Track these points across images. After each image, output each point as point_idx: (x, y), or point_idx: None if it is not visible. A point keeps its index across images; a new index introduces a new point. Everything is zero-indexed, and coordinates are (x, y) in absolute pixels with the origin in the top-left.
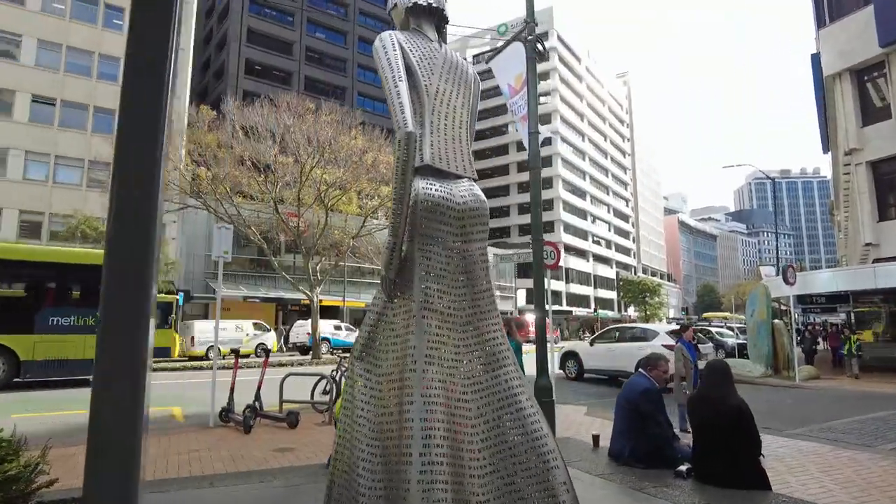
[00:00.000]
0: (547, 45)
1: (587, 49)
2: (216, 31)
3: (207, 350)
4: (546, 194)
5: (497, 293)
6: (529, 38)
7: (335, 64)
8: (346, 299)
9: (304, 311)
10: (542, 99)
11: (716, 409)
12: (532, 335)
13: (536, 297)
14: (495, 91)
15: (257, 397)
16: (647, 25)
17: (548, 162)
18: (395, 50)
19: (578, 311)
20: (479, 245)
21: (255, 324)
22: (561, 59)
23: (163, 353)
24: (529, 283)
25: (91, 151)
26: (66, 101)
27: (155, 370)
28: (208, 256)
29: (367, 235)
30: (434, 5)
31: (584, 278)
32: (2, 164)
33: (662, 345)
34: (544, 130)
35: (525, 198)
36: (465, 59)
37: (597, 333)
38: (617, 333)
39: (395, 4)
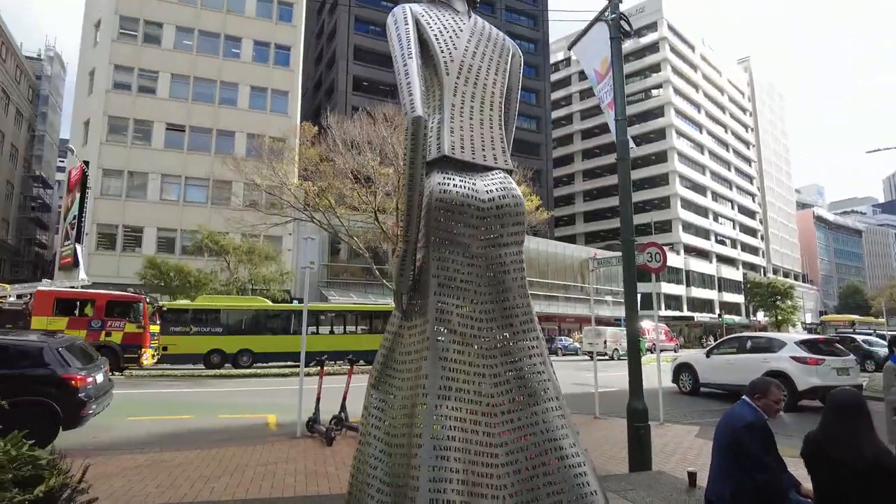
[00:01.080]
0: (656, 35)
1: (701, 36)
2: (325, 51)
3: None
4: (662, 192)
5: (609, 298)
6: (612, 16)
7: None
8: None
9: None
10: (653, 91)
11: (843, 460)
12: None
13: (627, 304)
14: None
15: (343, 408)
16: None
17: (662, 157)
18: (406, 24)
19: (701, 317)
20: (512, 250)
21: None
22: (672, 49)
23: None
24: (645, 286)
25: (214, 171)
26: (194, 126)
27: (276, 376)
28: (321, 266)
29: None
30: None
31: (707, 281)
32: (143, 188)
33: (791, 356)
34: (657, 124)
35: (640, 196)
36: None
37: (714, 343)
38: (737, 343)
39: None
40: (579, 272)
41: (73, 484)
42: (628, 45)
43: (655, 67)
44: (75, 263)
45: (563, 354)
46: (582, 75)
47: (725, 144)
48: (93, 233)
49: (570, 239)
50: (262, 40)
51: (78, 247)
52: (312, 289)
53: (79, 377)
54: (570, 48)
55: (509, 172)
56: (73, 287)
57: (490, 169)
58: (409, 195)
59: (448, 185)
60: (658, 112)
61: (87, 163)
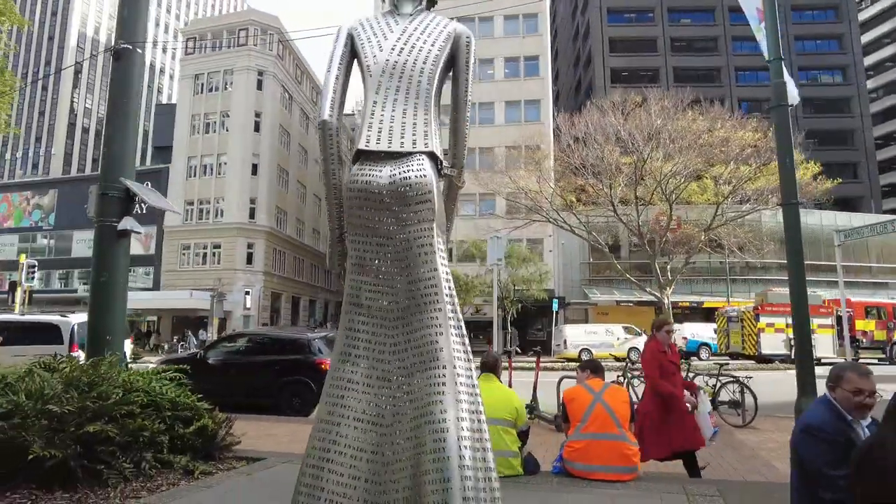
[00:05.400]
0: None
1: None
2: (582, 52)
3: (580, 352)
4: None
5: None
6: None
7: (705, 46)
8: (729, 299)
9: (686, 314)
10: None
11: None
12: None
13: (794, 280)
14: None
15: (534, 398)
16: None
17: None
18: (336, 41)
19: None
20: (419, 227)
21: (625, 328)
22: None
23: None
24: None
25: (478, 187)
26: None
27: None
28: (583, 265)
29: (723, 226)
30: None
31: None
32: None
33: None
34: None
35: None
36: (450, 19)
37: None
38: None
39: None
40: None
41: (221, 421)
42: None
43: None
44: None
45: None
46: None
47: None
48: None
49: None
50: (512, 55)
51: None
52: (576, 288)
53: (327, 361)
54: None
55: (431, 155)
56: None
57: (411, 154)
58: (327, 187)
59: (357, 175)
60: None
61: None
